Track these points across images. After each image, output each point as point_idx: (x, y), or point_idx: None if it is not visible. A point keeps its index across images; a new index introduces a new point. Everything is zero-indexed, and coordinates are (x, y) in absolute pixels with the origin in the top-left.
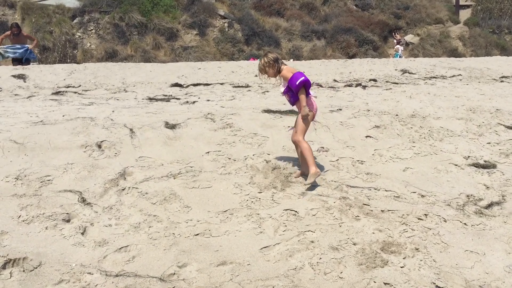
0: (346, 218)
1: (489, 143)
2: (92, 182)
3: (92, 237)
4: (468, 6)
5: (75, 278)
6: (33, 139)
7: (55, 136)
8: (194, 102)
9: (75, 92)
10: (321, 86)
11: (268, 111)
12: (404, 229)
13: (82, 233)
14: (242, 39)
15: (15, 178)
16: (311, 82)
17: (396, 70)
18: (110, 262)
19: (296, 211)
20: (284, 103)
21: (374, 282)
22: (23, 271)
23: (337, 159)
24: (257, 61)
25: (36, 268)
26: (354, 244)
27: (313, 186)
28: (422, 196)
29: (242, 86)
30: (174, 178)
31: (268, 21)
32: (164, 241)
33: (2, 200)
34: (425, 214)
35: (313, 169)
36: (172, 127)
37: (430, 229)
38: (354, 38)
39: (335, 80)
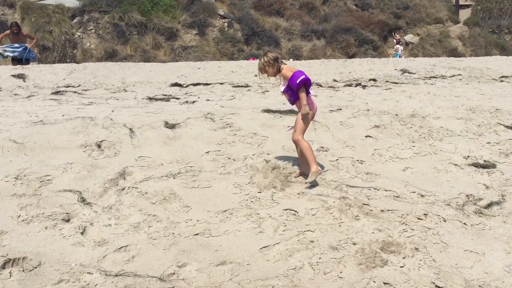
0: (346, 218)
1: (489, 142)
2: (92, 182)
3: (92, 236)
4: (468, 6)
5: (75, 278)
6: (33, 138)
7: (55, 136)
8: (193, 101)
9: (75, 92)
10: (320, 85)
11: (267, 110)
12: (403, 229)
13: (82, 233)
14: (242, 38)
15: (15, 177)
16: (311, 82)
17: (395, 70)
18: (110, 261)
19: (295, 211)
20: (284, 103)
21: (374, 282)
22: (23, 270)
23: (337, 159)
24: (256, 61)
25: (36, 268)
26: (354, 244)
27: (313, 185)
28: (422, 196)
29: (241, 86)
30: (174, 178)
31: (268, 21)
32: (163, 241)
33: (2, 200)
34: (425, 214)
35: (314, 167)
36: (171, 126)
37: (429, 229)
38: (354, 38)
39: (334, 80)
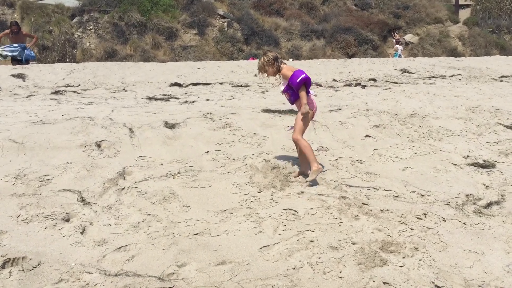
0: (346, 217)
1: (488, 142)
2: (92, 182)
3: (92, 236)
4: (467, 6)
5: (75, 278)
6: (33, 138)
7: (55, 136)
8: (193, 101)
9: (75, 92)
10: (320, 85)
11: (267, 110)
12: (403, 229)
13: (82, 233)
14: (242, 38)
15: (15, 177)
16: (311, 81)
17: (395, 69)
18: (110, 261)
19: (295, 211)
20: (283, 103)
21: (373, 281)
22: (22, 270)
23: (337, 159)
24: (256, 61)
25: (36, 267)
26: (354, 243)
27: (314, 183)
28: (421, 195)
29: (241, 86)
30: (174, 178)
31: (268, 21)
32: (163, 241)
33: (2, 200)
34: (424, 214)
35: (315, 165)
36: (171, 126)
37: (429, 228)
38: (354, 38)
39: (334, 80)
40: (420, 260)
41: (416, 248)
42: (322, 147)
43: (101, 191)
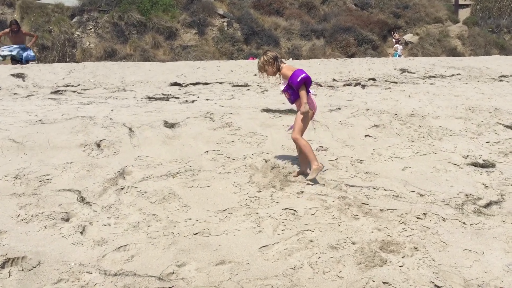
0: (345, 217)
1: (488, 142)
2: (91, 181)
3: (91, 236)
4: (467, 5)
5: (74, 277)
6: (32, 138)
7: (54, 135)
8: (193, 101)
9: (74, 91)
10: (320, 85)
11: (267, 110)
12: (403, 228)
13: (81, 232)
14: (241, 38)
15: (14, 177)
16: (311, 81)
17: (395, 69)
18: (109, 261)
19: (295, 210)
20: (283, 102)
21: (373, 281)
22: (22, 270)
23: (336, 158)
24: (256, 60)
25: (35, 267)
26: (353, 243)
27: (314, 182)
28: (421, 195)
29: (241, 85)
30: (173, 177)
31: (267, 20)
32: (163, 240)
33: (1, 199)
34: (424, 213)
35: (315, 164)
36: (171, 126)
37: (429, 228)
38: (353, 37)
39: (334, 80)
40: (419, 259)
41: (416, 248)
42: (322, 146)
43: (100, 190)
